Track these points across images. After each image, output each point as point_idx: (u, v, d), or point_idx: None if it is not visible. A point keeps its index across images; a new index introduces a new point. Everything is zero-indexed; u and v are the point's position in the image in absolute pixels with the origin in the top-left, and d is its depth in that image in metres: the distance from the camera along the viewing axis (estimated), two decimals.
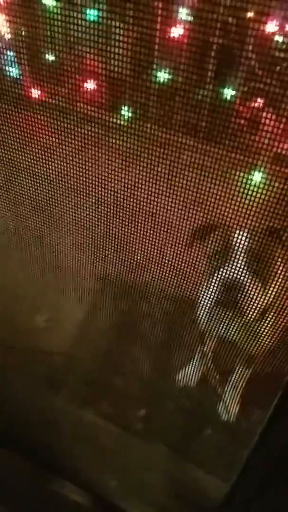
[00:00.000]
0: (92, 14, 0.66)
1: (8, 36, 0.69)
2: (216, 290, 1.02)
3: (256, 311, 1.00)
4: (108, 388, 1.47)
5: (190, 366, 1.43)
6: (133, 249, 0.95)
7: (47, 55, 0.70)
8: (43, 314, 1.55)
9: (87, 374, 1.49)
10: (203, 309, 1.07)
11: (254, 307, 1.00)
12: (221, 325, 1.09)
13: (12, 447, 1.28)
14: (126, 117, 0.77)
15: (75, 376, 1.49)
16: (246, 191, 0.74)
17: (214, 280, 1.02)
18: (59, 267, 1.18)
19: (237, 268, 0.96)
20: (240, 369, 1.32)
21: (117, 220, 0.91)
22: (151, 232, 0.90)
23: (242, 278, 1.00)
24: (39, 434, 1.31)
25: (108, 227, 0.93)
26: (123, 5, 0.67)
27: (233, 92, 0.72)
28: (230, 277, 0.99)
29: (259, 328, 1.01)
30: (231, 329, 1.05)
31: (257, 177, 0.77)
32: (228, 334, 1.08)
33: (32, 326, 1.53)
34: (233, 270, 0.97)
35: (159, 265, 0.95)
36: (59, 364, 1.50)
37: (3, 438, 1.29)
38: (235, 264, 0.96)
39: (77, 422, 1.40)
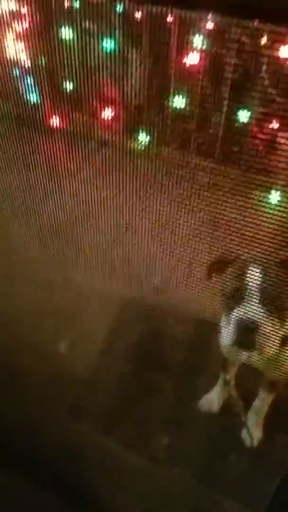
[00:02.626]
0: (107, 46, 0.68)
1: (29, 66, 0.71)
2: (233, 331, 1.01)
3: (275, 346, 0.98)
4: (133, 416, 1.44)
5: (213, 393, 1.41)
6: (151, 276, 0.95)
7: (65, 84, 0.72)
8: (65, 340, 1.55)
9: (109, 401, 1.47)
10: (223, 343, 1.06)
11: (273, 343, 0.98)
12: (242, 358, 1.07)
13: (26, 474, 1.26)
14: (144, 142, 0.78)
15: (96, 403, 1.47)
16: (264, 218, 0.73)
17: (231, 320, 1.00)
18: (80, 292, 1.18)
19: (253, 307, 0.94)
20: (264, 395, 1.30)
21: (136, 244, 0.92)
22: (171, 258, 0.90)
23: (258, 318, 0.97)
24: (58, 462, 1.29)
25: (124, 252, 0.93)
26: (137, 37, 0.69)
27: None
28: (246, 317, 0.97)
29: (280, 358, 0.99)
30: (251, 361, 1.04)
31: (274, 199, 0.76)
32: (250, 364, 1.07)
33: (53, 352, 1.53)
34: (249, 310, 0.95)
35: (178, 293, 0.95)
36: (82, 391, 1.49)
37: (24, 468, 1.28)
38: (250, 302, 0.94)
39: (99, 450, 1.37)
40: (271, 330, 0.96)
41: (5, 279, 1.39)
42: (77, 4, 0.71)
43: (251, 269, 0.92)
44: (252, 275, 0.92)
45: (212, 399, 1.41)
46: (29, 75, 0.78)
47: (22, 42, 0.73)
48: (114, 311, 1.18)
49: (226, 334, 1.03)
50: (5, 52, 0.75)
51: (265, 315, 0.96)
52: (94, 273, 1.05)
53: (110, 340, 1.48)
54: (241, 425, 1.35)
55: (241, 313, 0.97)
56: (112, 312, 1.18)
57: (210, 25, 0.66)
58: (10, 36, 0.73)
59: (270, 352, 0.98)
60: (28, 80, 0.78)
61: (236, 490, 1.28)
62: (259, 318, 0.96)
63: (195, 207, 0.78)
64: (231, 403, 1.37)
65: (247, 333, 0.98)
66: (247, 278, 0.95)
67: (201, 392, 1.44)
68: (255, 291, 0.94)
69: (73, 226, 0.98)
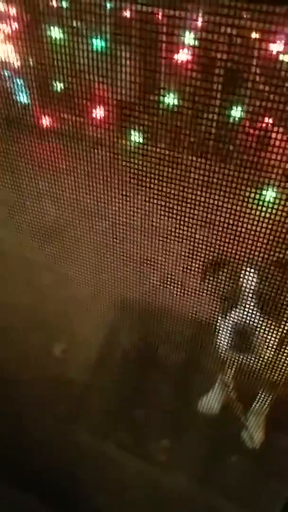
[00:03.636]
0: (97, 44, 0.67)
1: (18, 66, 0.71)
2: (229, 335, 0.99)
3: (272, 349, 0.96)
4: (131, 420, 1.43)
5: (212, 394, 1.40)
6: (146, 278, 0.94)
7: (55, 84, 0.72)
8: (60, 344, 1.53)
9: (106, 405, 1.46)
10: (220, 346, 1.05)
11: (269, 346, 0.97)
12: (239, 361, 1.06)
13: (26, 487, 1.24)
14: (134, 141, 0.77)
15: (93, 407, 1.46)
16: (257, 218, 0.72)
17: (226, 323, 0.99)
18: (74, 295, 1.17)
19: (248, 310, 0.93)
20: (263, 396, 1.28)
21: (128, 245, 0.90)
22: (165, 260, 0.89)
23: (253, 321, 0.95)
24: (54, 471, 1.27)
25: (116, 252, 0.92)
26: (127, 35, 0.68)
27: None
28: (241, 322, 0.96)
29: (278, 359, 0.98)
30: (249, 364, 1.03)
31: (269, 196, 0.75)
32: (247, 367, 1.06)
33: (49, 356, 1.52)
34: (244, 313, 0.94)
35: (173, 296, 0.93)
36: (78, 395, 1.48)
37: (19, 478, 1.25)
38: (245, 305, 0.93)
39: (96, 455, 1.36)
40: (267, 333, 0.95)
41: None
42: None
43: (245, 271, 0.91)
44: (247, 277, 0.91)
45: (211, 401, 1.40)
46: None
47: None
48: (111, 314, 1.17)
49: (222, 337, 1.02)
50: None
51: (260, 318, 0.94)
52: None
53: (106, 342, 1.47)
54: (241, 427, 1.34)
55: (236, 317, 0.96)
56: (109, 315, 1.17)
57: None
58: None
59: (267, 355, 0.97)
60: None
61: (238, 493, 1.26)
62: (254, 322, 0.95)
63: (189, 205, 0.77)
64: (231, 404, 1.36)
65: (242, 337, 0.97)
66: (242, 280, 0.93)
67: (200, 394, 1.42)
68: (250, 294, 0.93)
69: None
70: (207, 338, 1.09)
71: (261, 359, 0.98)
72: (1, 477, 1.23)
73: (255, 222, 0.73)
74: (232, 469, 1.32)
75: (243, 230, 0.74)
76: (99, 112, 0.74)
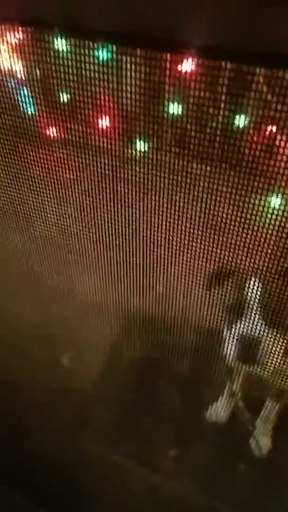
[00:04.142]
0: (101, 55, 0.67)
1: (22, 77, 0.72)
2: (234, 346, 0.99)
3: (278, 359, 0.96)
4: (141, 429, 1.42)
5: (220, 403, 1.39)
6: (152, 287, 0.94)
7: (60, 95, 0.72)
8: (67, 353, 1.53)
9: (111, 414, 1.45)
10: (227, 356, 1.04)
11: (275, 356, 0.96)
12: (247, 368, 1.06)
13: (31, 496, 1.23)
14: (140, 150, 0.78)
15: (100, 416, 1.46)
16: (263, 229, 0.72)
17: (232, 334, 0.99)
18: (83, 304, 1.18)
19: (253, 321, 0.92)
20: (271, 404, 1.28)
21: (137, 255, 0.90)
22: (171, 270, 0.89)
23: (259, 332, 0.95)
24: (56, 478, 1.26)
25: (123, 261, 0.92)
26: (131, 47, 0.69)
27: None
28: (247, 333, 0.95)
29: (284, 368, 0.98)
30: (257, 372, 1.02)
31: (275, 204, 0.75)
32: (256, 374, 1.06)
33: (56, 365, 1.52)
34: (249, 324, 0.93)
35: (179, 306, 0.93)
36: (84, 404, 1.47)
37: (24, 487, 1.25)
38: (251, 316, 0.92)
39: (103, 464, 1.35)
40: (272, 344, 0.94)
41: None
42: None
43: (250, 282, 0.91)
44: (252, 287, 0.91)
45: (219, 410, 1.39)
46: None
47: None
48: (117, 324, 1.17)
49: (229, 348, 1.01)
50: None
51: (266, 329, 0.94)
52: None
53: (113, 352, 1.47)
54: (249, 435, 1.34)
55: (242, 328, 0.95)
56: (115, 325, 1.17)
57: None
58: None
59: (273, 365, 0.97)
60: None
61: (245, 501, 1.25)
62: (260, 333, 0.94)
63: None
64: (239, 413, 1.36)
65: (248, 349, 0.96)
66: (247, 291, 0.93)
67: (207, 403, 1.42)
68: (256, 304, 0.92)
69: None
70: (213, 348, 1.08)
71: (268, 369, 0.98)
72: (3, 481, 1.23)
73: (261, 233, 0.73)
74: (239, 477, 1.31)
75: (249, 240, 0.74)
76: (107, 123, 0.75)
